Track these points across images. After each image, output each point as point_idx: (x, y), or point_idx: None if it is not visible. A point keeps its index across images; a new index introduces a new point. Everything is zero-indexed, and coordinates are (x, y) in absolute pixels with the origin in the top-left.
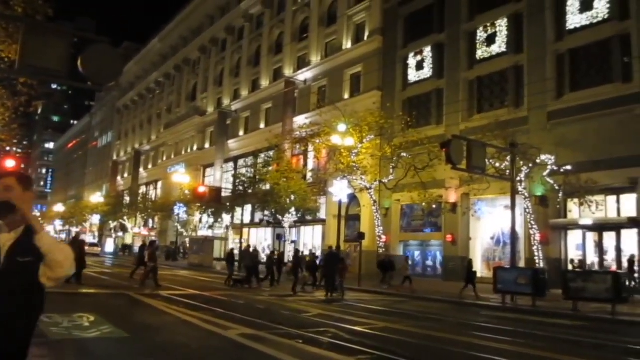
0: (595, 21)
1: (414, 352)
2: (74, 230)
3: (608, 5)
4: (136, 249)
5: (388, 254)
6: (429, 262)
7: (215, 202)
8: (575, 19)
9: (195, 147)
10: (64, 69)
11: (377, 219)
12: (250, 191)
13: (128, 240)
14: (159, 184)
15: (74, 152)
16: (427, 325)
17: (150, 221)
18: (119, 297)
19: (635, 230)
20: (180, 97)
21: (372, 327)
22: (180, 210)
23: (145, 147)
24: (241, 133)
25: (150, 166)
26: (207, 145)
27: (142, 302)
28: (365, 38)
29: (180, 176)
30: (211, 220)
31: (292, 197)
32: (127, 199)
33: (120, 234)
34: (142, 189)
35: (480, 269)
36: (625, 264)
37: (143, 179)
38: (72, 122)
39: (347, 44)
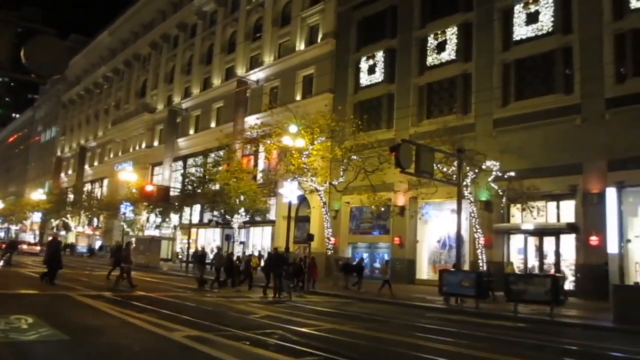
0: (540, 33)
1: (360, 354)
2: (13, 228)
3: (552, 19)
4: (80, 248)
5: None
6: (377, 264)
7: (163, 202)
8: (521, 31)
9: (143, 145)
10: (6, 59)
11: (327, 221)
12: (199, 191)
13: (71, 239)
14: (105, 182)
15: (15, 146)
16: (373, 327)
17: (95, 220)
18: (59, 299)
19: (573, 235)
20: (129, 93)
21: (319, 328)
22: (126, 209)
23: (91, 144)
24: (191, 132)
25: (96, 163)
26: (156, 143)
27: (84, 303)
28: (319, 40)
29: (128, 174)
30: (159, 219)
31: (242, 198)
32: (71, 196)
33: (62, 232)
34: (87, 187)
35: (426, 271)
36: (563, 268)
37: (88, 176)
38: (13, 115)
39: (301, 46)
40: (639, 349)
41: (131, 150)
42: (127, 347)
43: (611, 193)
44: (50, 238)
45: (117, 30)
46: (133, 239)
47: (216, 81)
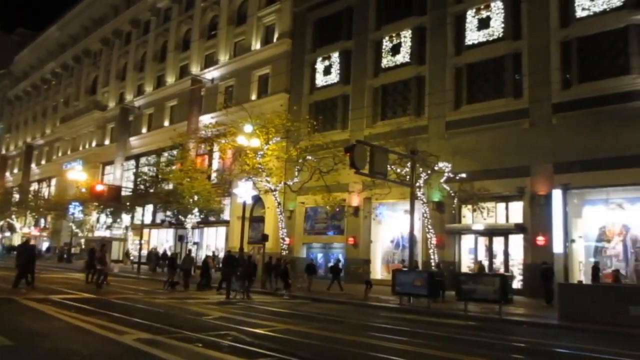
0: (491, 39)
1: (314, 354)
2: None
3: (503, 25)
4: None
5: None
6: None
7: (114, 202)
8: (473, 36)
9: (94, 143)
10: None
11: (281, 221)
12: (152, 191)
13: (16, 240)
14: (53, 181)
15: None
16: (327, 327)
17: (42, 221)
18: (3, 303)
19: (521, 236)
20: (79, 90)
21: (273, 329)
22: (75, 210)
23: (38, 142)
24: (144, 130)
25: (43, 162)
26: (107, 142)
27: (30, 307)
28: (275, 40)
29: (77, 173)
30: (109, 220)
31: (196, 198)
32: (17, 196)
33: (7, 234)
34: (34, 186)
35: (380, 271)
36: (512, 267)
37: (35, 175)
38: None
39: (256, 45)
40: (583, 345)
41: (81, 148)
42: (75, 351)
43: (557, 195)
44: (22, 241)
45: (66, 25)
46: (82, 240)
47: (170, 79)
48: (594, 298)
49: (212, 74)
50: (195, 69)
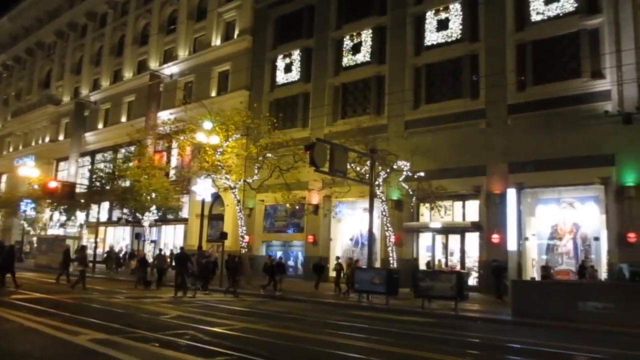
0: (449, 40)
1: (272, 352)
2: None
3: (461, 27)
4: None
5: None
6: (291, 262)
7: (68, 199)
8: (432, 37)
9: (47, 139)
10: None
11: (241, 219)
12: (108, 188)
13: None
14: (4, 178)
15: None
16: (286, 325)
17: None
18: None
19: (477, 234)
20: (31, 84)
21: (231, 327)
22: (27, 207)
23: None
24: (100, 126)
25: None
26: (61, 137)
27: None
28: (235, 36)
29: (29, 169)
30: (63, 218)
31: (154, 195)
32: None
33: None
34: None
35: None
36: (468, 264)
37: None
38: None
39: (217, 41)
40: (534, 340)
41: (33, 144)
42: (26, 354)
43: (511, 194)
44: None
45: (18, 16)
46: (34, 239)
47: (127, 74)
48: (545, 294)
49: (171, 69)
50: (153, 64)
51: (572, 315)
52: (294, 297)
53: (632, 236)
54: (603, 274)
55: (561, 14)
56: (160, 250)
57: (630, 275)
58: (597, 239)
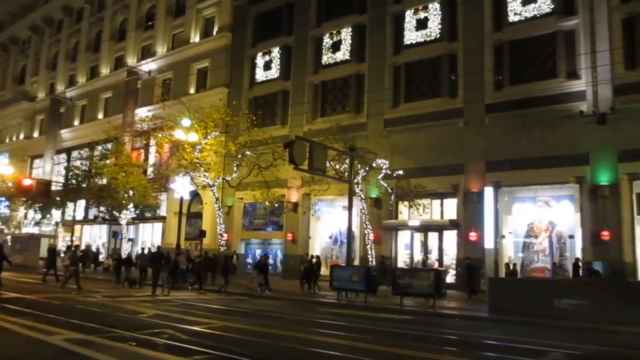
0: (428, 39)
1: (252, 351)
2: None
3: (440, 27)
4: None
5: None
6: (270, 261)
7: (43, 197)
8: (411, 36)
9: (21, 136)
10: None
11: (219, 217)
12: (84, 185)
13: None
14: None
15: None
16: (266, 323)
17: None
18: None
19: (455, 232)
20: (5, 80)
21: (210, 326)
22: (1, 205)
23: None
24: (76, 123)
25: None
26: (36, 134)
27: None
28: (214, 33)
29: (3, 167)
30: (38, 216)
31: (131, 193)
32: None
33: None
34: None
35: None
36: (446, 261)
37: None
38: None
39: (195, 38)
40: (511, 337)
41: (7, 140)
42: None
43: (489, 192)
44: None
45: None
46: (8, 237)
47: (104, 70)
48: (522, 291)
49: (149, 66)
50: (131, 61)
51: (547, 312)
52: (272, 295)
53: (605, 234)
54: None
55: (538, 15)
56: (143, 249)
57: (588, 273)
58: (572, 237)
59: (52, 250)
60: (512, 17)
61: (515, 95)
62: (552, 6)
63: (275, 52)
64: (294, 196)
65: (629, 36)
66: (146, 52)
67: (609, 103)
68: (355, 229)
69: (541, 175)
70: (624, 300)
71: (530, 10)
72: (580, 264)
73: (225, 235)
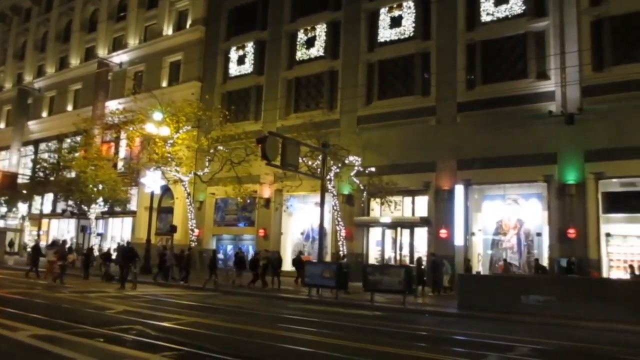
0: (402, 37)
1: (222, 346)
2: None
3: (413, 25)
4: None
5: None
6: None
7: (9, 189)
8: (385, 33)
9: None
10: None
11: (191, 212)
12: (52, 178)
13: None
14: None
15: None
16: (237, 319)
17: None
18: None
19: (425, 229)
20: None
21: (180, 322)
22: None
23: None
24: (44, 114)
25: None
26: (2, 125)
27: None
28: (188, 26)
29: None
30: (4, 209)
31: (100, 187)
32: None
33: None
34: None
35: (290, 263)
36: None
37: None
38: None
39: (168, 31)
40: (479, 332)
41: None
42: None
43: (459, 190)
44: None
45: None
46: None
47: (74, 61)
48: (490, 288)
49: (120, 57)
50: (102, 52)
51: (515, 308)
52: (243, 291)
53: (571, 232)
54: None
55: (510, 16)
56: (119, 243)
57: (565, 269)
58: (539, 234)
59: (36, 247)
60: (484, 17)
61: (487, 94)
62: (523, 7)
63: (249, 46)
64: (266, 192)
65: (597, 38)
66: (117, 44)
67: (577, 104)
68: (327, 225)
69: (510, 173)
70: (588, 296)
71: (502, 11)
72: (542, 263)
73: (196, 230)
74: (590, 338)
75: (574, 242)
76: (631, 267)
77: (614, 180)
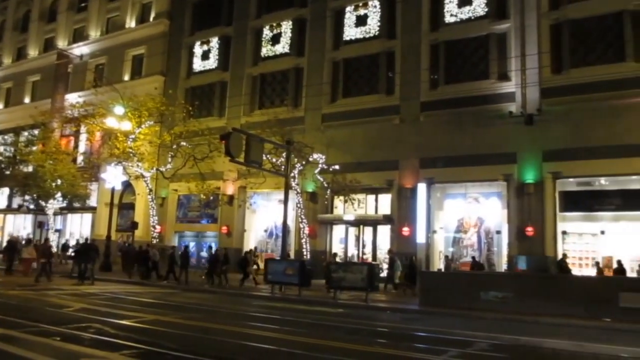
0: (367, 36)
1: (183, 344)
2: None
3: (379, 24)
4: None
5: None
6: (204, 254)
7: None
8: (351, 32)
9: None
10: None
11: (152, 209)
12: (8, 172)
13: None
14: None
15: None
16: (198, 317)
17: None
18: None
19: (388, 227)
20: None
21: (140, 320)
22: None
23: None
24: (0, 106)
25: None
26: None
27: None
28: (151, 19)
29: None
30: None
31: (59, 182)
32: None
33: None
34: None
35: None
36: (380, 256)
37: None
38: None
39: (131, 23)
40: (439, 328)
41: None
42: None
43: (422, 188)
44: None
45: None
46: None
47: (33, 52)
48: (451, 285)
49: (81, 49)
50: (62, 43)
51: (475, 304)
52: (205, 289)
53: (530, 230)
54: (503, 266)
55: (473, 18)
56: (87, 240)
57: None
58: (499, 232)
59: (13, 243)
60: (448, 18)
61: (450, 94)
62: (486, 9)
63: (214, 41)
64: (230, 189)
65: (556, 41)
66: (78, 35)
67: (536, 105)
68: (291, 222)
69: (472, 172)
70: (545, 293)
71: (466, 13)
72: (501, 260)
73: (158, 227)
74: (543, 332)
75: (532, 240)
76: (597, 263)
77: (571, 179)
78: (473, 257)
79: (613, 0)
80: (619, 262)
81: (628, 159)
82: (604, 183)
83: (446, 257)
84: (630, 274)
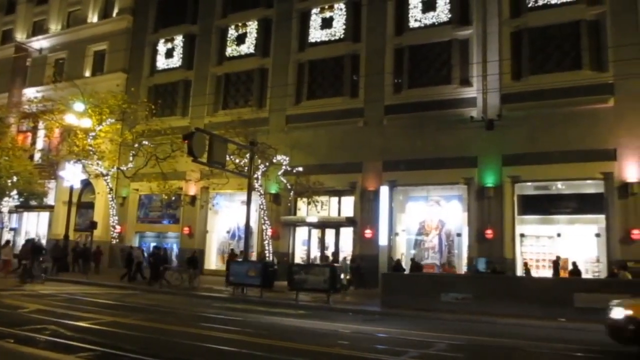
0: (332, 39)
1: (141, 346)
2: None
3: (344, 27)
4: None
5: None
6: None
7: None
8: (316, 34)
9: None
10: None
11: (113, 208)
12: None
13: None
14: None
15: None
16: (157, 318)
17: None
18: None
19: (351, 229)
20: None
21: (98, 322)
22: None
23: None
24: None
25: None
26: None
27: None
28: (114, 15)
29: None
30: None
31: (15, 179)
32: None
33: None
34: None
35: (214, 261)
36: (342, 258)
37: None
38: None
39: (93, 18)
40: (400, 330)
41: None
42: None
43: (384, 191)
44: None
45: None
46: None
47: None
48: (411, 286)
49: (40, 43)
50: (20, 36)
51: (435, 306)
52: (165, 290)
53: (489, 232)
54: (463, 268)
55: (436, 23)
56: (27, 239)
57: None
58: (459, 235)
59: None
60: (412, 23)
61: (413, 98)
62: (449, 15)
63: (179, 39)
64: (192, 189)
65: (516, 48)
66: (38, 28)
67: (497, 110)
68: (254, 224)
69: (433, 175)
70: (503, 294)
71: (430, 18)
72: (462, 263)
73: (118, 227)
74: (501, 332)
75: (491, 243)
76: (555, 263)
77: (529, 183)
78: (412, 259)
79: (571, 10)
80: (574, 263)
81: (582, 164)
82: (560, 187)
83: (412, 259)
84: (585, 275)
